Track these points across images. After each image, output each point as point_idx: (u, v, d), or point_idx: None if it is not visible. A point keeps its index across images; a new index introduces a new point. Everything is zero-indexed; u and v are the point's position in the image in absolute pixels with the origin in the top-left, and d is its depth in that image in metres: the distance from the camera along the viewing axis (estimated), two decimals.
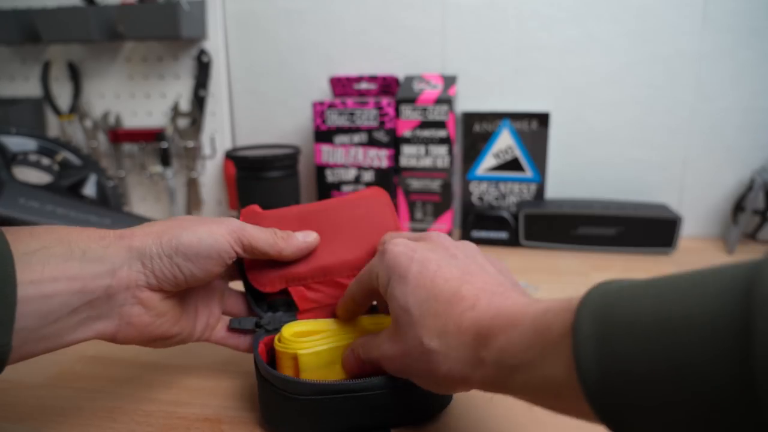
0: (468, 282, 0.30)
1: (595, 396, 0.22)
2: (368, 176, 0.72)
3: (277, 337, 0.37)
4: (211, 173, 0.85)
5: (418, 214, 0.74)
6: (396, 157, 0.73)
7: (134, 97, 0.84)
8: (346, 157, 0.72)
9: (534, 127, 0.72)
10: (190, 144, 0.81)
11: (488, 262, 0.33)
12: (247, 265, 0.39)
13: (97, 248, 0.31)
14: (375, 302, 0.39)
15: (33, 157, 0.65)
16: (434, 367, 0.29)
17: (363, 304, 0.37)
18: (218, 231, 0.35)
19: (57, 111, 0.84)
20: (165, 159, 0.81)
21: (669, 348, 0.20)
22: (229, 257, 0.35)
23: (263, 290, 0.39)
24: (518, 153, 0.73)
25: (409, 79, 0.73)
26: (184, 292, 0.36)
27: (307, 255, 0.39)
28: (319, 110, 0.71)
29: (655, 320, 0.21)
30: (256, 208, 0.42)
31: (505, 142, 0.73)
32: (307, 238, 0.39)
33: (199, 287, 0.38)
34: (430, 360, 0.29)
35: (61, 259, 0.29)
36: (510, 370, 0.26)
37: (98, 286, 0.31)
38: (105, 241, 0.32)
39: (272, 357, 0.37)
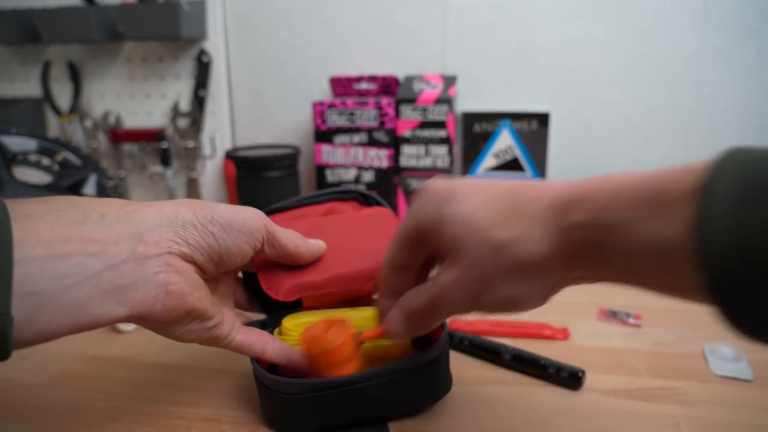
0: (526, 181, 0.27)
1: (719, 270, 0.18)
2: (368, 176, 0.72)
3: (277, 330, 0.37)
4: (211, 173, 0.85)
5: None
6: (396, 157, 0.73)
7: (134, 97, 0.84)
8: (346, 157, 0.72)
9: (534, 127, 0.72)
10: (190, 144, 0.82)
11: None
12: (259, 266, 0.37)
13: (119, 212, 0.28)
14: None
15: (33, 157, 0.65)
16: (513, 262, 0.25)
17: (404, 263, 0.31)
18: (249, 210, 0.33)
19: (57, 111, 0.84)
20: (165, 159, 0.81)
21: None
22: (258, 240, 0.33)
23: (278, 299, 0.36)
24: (518, 153, 0.73)
25: (409, 79, 0.73)
26: (213, 282, 0.34)
27: (319, 264, 0.38)
28: (319, 110, 0.71)
29: None
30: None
31: (505, 142, 0.73)
32: (318, 242, 0.38)
33: (225, 280, 0.36)
34: (507, 255, 0.25)
35: (74, 221, 0.26)
36: (608, 230, 0.22)
37: (122, 250, 0.27)
38: (130, 206, 0.29)
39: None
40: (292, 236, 0.36)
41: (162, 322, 0.30)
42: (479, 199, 0.27)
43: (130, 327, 0.50)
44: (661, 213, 0.21)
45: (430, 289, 0.29)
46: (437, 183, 0.29)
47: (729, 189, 0.19)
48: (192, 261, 0.31)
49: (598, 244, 0.23)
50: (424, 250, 0.31)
